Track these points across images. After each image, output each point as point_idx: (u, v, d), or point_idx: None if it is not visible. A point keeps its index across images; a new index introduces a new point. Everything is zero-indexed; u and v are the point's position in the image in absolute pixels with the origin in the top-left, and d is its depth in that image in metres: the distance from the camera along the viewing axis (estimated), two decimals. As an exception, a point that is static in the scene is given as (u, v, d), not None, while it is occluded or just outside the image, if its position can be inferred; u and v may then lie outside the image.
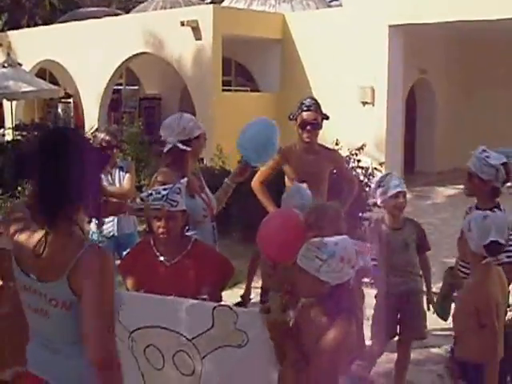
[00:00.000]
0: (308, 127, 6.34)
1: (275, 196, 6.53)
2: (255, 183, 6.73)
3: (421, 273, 5.65)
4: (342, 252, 3.47)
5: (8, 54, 20.06)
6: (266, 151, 5.39)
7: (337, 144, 11.42)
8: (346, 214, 5.54)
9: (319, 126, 6.42)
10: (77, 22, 20.19)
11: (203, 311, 3.74)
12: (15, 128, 18.93)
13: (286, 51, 17.51)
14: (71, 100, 21.77)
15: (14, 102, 19.70)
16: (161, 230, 4.29)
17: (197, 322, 3.72)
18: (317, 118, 6.37)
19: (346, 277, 3.52)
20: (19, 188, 7.36)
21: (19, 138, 18.05)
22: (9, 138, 19.13)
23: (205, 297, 4.25)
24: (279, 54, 17.70)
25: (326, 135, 13.13)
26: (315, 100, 6.49)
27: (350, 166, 11.60)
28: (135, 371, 3.96)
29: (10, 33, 22.67)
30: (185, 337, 3.72)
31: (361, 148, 11.67)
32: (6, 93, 17.67)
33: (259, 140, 5.26)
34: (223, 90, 17.02)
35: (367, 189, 11.65)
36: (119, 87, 21.45)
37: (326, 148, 6.82)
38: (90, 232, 7.25)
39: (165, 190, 4.29)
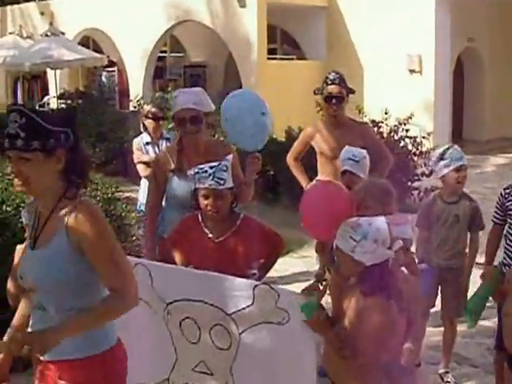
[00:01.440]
0: (333, 101, 6.36)
1: (309, 171, 6.70)
2: (289, 160, 6.84)
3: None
4: (375, 233, 3.52)
5: (51, 23, 20.32)
6: (260, 130, 5.02)
7: (386, 113, 11.42)
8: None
9: (344, 100, 6.42)
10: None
11: (244, 288, 3.77)
12: (59, 96, 19.17)
13: (332, 19, 17.43)
14: (115, 68, 21.94)
15: (58, 71, 19.91)
16: (209, 209, 4.28)
17: (237, 298, 3.76)
18: (341, 91, 6.37)
19: (382, 257, 3.57)
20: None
21: (63, 106, 18.32)
22: (53, 106, 19.43)
23: (254, 271, 4.31)
24: (325, 22, 17.62)
25: (375, 104, 13.20)
26: (340, 74, 6.48)
27: (399, 135, 11.62)
28: (168, 344, 4.01)
29: (52, 1, 22.86)
30: (224, 311, 3.76)
31: (409, 117, 11.66)
32: (50, 61, 17.93)
33: (247, 125, 4.89)
34: (268, 59, 17.03)
35: (415, 158, 11.68)
36: (163, 54, 21.56)
37: (355, 121, 6.85)
38: (138, 203, 7.42)
39: (211, 167, 4.25)
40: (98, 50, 21.69)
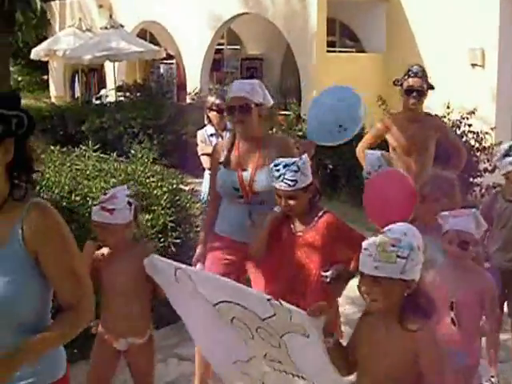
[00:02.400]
0: (414, 94, 6.35)
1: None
2: (359, 152, 6.81)
3: None
4: (417, 241, 3.10)
5: (110, 16, 20.63)
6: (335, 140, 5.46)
7: (448, 107, 11.38)
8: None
9: (425, 94, 6.42)
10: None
11: (261, 300, 3.66)
12: (118, 89, 19.44)
13: (392, 11, 17.34)
14: (173, 61, 22.15)
15: (117, 63, 20.20)
16: (284, 208, 4.44)
17: (262, 307, 3.65)
18: (423, 85, 6.38)
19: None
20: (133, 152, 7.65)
21: (122, 98, 18.59)
22: (111, 98, 19.72)
23: (327, 274, 4.34)
24: (385, 14, 17.55)
25: (436, 98, 13.12)
26: (422, 68, 6.51)
27: (461, 130, 11.57)
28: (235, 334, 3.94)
29: (110, -6, 23.16)
30: (259, 316, 3.69)
31: (472, 112, 11.61)
32: (109, 54, 18.23)
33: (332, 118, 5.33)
34: (328, 51, 17.03)
35: (478, 153, 11.63)
36: (221, 47, 21.70)
37: (431, 115, 6.84)
38: (202, 194, 7.55)
39: (285, 166, 4.30)
40: (154, 42, 21.89)
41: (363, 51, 18.26)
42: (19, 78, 32.55)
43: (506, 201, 5.40)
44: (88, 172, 6.88)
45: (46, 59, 23.38)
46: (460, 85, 15.06)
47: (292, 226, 4.50)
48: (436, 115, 7.08)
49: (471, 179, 11.26)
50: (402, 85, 6.47)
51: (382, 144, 6.80)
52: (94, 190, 6.40)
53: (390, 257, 3.01)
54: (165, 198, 6.66)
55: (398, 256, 2.99)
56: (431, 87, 6.47)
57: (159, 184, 6.90)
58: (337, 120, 5.28)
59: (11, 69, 29.76)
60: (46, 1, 26.31)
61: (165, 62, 22.06)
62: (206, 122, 7.90)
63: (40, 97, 23.66)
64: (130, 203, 4.38)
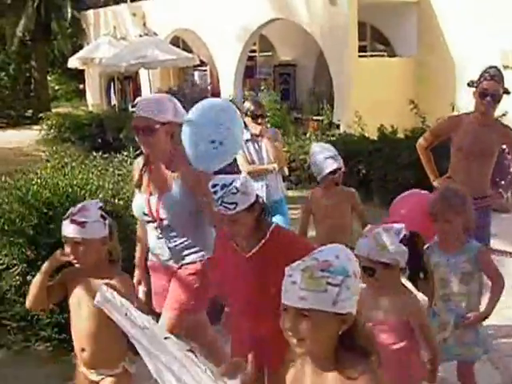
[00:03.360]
0: (488, 98, 6.01)
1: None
2: (421, 149, 6.58)
3: None
4: (352, 266, 2.47)
5: (144, 24, 20.92)
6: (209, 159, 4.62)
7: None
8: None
9: (499, 98, 6.08)
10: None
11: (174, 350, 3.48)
12: (153, 96, 19.68)
13: (422, 14, 17.42)
14: (207, 67, 22.39)
15: (151, 71, 20.47)
16: (229, 232, 3.98)
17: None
18: (498, 89, 6.03)
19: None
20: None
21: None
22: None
23: None
24: (416, 18, 17.64)
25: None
26: (500, 71, 6.16)
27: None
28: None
29: (144, 2, 23.45)
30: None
31: (503, 114, 11.65)
32: (144, 62, 18.46)
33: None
34: (359, 56, 17.15)
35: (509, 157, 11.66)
36: (253, 54, 21.89)
37: (501, 123, 6.51)
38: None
39: (222, 188, 3.79)
40: (187, 49, 22.10)
41: (394, 55, 18.35)
42: (56, 87, 33.07)
43: None
44: (130, 177, 7.09)
45: (82, 68, 23.77)
46: (492, 87, 15.06)
47: (239, 247, 4.02)
48: (507, 125, 6.54)
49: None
50: (477, 87, 6.15)
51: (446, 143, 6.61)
52: (135, 195, 6.60)
53: (319, 284, 2.37)
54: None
55: (329, 283, 2.37)
56: (507, 92, 6.11)
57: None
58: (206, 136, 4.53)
59: (49, 78, 30.36)
60: (80, 10, 26.76)
61: (198, 68, 22.30)
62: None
63: (77, 105, 24.06)
64: (103, 217, 3.99)
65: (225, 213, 3.78)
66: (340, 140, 13.31)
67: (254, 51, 21.92)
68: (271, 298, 3.52)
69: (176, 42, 22.67)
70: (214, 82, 21.77)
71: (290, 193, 10.51)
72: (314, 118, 16.37)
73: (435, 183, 6.34)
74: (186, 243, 4.70)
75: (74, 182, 6.55)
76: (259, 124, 7.48)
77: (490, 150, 6.17)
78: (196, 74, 22.58)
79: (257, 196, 3.94)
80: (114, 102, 24.67)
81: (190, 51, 22.02)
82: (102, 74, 24.76)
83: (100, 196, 6.37)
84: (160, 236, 4.71)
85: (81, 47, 25.16)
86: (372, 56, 18.58)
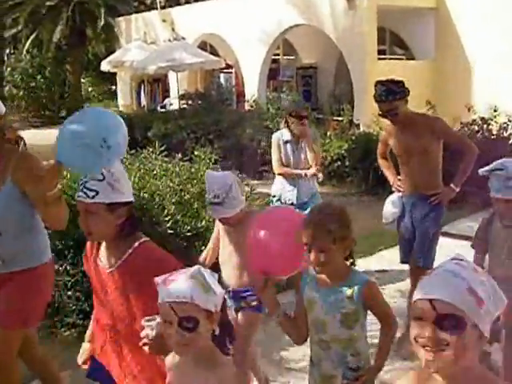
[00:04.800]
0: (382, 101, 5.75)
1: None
2: (378, 156, 6.55)
3: None
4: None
5: (172, 30, 20.99)
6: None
7: (495, 111, 11.31)
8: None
9: (397, 111, 5.71)
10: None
11: None
12: (181, 97, 19.75)
13: (440, 19, 17.27)
14: (232, 70, 22.40)
15: (179, 74, 20.50)
16: (84, 230, 3.29)
17: None
18: (392, 105, 5.71)
19: None
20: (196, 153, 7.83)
21: (185, 106, 18.88)
22: (175, 106, 20.03)
23: (149, 324, 3.00)
24: (433, 22, 17.48)
25: (484, 102, 13.07)
26: (388, 86, 5.76)
27: (508, 132, 11.46)
28: None
29: (173, 9, 23.49)
30: None
31: (494, 111, 11.50)
32: (173, 65, 18.55)
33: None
34: (379, 59, 17.06)
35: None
36: (277, 57, 21.86)
37: (423, 116, 6.17)
38: (271, 198, 7.63)
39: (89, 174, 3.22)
40: (214, 53, 22.16)
41: (412, 58, 18.23)
42: (90, 89, 33.24)
43: (504, 227, 4.40)
44: (155, 172, 7.06)
45: (114, 70, 23.87)
46: (508, 88, 14.94)
47: (101, 259, 3.38)
48: (434, 117, 6.35)
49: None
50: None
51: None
52: (160, 188, 6.59)
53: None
54: (226, 196, 6.77)
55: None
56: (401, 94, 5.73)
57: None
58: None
59: (82, 80, 30.53)
60: (113, 17, 26.94)
61: (224, 71, 22.31)
62: (282, 127, 7.66)
63: (108, 106, 24.13)
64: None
65: (83, 200, 3.15)
66: (360, 139, 13.22)
67: (277, 54, 21.87)
68: (134, 319, 3.22)
69: (203, 46, 22.70)
70: (238, 83, 21.77)
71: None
72: (335, 118, 16.27)
73: (394, 187, 6.26)
74: (17, 248, 4.07)
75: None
76: (303, 125, 7.27)
77: (419, 148, 5.79)
78: (222, 76, 22.58)
79: (130, 202, 3.31)
80: (143, 103, 24.75)
81: (217, 55, 22.06)
82: (132, 77, 24.85)
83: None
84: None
85: (113, 51, 25.26)
86: (390, 59, 18.47)
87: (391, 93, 5.69)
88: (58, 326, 5.96)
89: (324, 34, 17.62)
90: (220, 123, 15.77)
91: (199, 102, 18.26)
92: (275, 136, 7.58)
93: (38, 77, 29.15)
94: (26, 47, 29.83)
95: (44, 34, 29.27)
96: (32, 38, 29.62)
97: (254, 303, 4.51)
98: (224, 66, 20.69)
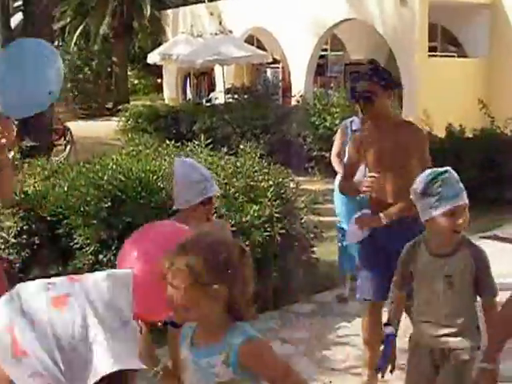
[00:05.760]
0: (360, 100, 4.82)
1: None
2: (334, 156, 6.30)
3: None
4: None
5: (220, 23, 21.04)
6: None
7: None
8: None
9: (374, 97, 4.72)
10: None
11: None
12: (227, 91, 19.80)
13: (495, 15, 17.04)
14: (279, 65, 22.37)
15: (226, 67, 20.55)
16: None
17: None
18: (371, 87, 4.71)
19: None
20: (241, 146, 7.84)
21: (230, 100, 18.92)
22: (221, 100, 20.09)
23: None
24: (487, 19, 17.25)
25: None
26: (375, 67, 4.89)
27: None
28: None
29: (221, 2, 23.55)
30: None
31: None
32: (219, 58, 18.60)
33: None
34: (429, 56, 16.89)
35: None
36: (324, 53, 21.77)
37: (410, 125, 5.01)
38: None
39: None
40: (261, 47, 22.15)
41: (465, 56, 18.00)
42: (135, 81, 33.50)
43: (431, 255, 3.65)
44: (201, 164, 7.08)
45: (161, 63, 24.01)
46: None
47: None
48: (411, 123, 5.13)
49: None
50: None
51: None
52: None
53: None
54: (271, 191, 6.77)
55: None
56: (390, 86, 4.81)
57: (266, 178, 7.03)
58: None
59: (129, 73, 30.80)
60: (160, 9, 27.11)
61: (271, 66, 22.31)
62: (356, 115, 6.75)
63: (154, 98, 24.31)
64: None
65: None
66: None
67: (325, 50, 21.80)
68: None
69: (250, 40, 22.71)
70: (285, 79, 21.74)
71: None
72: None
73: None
74: None
75: (147, 168, 6.56)
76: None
77: (397, 161, 4.74)
78: (268, 71, 22.59)
79: None
80: (189, 96, 24.86)
81: (264, 49, 22.04)
82: (179, 70, 24.96)
83: (171, 181, 6.36)
84: None
85: (159, 44, 25.41)
86: (442, 56, 18.28)
87: (377, 74, 4.74)
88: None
89: (373, 30, 17.52)
90: (266, 118, 15.78)
91: (245, 96, 18.27)
92: (344, 123, 6.97)
93: (85, 69, 29.50)
94: (74, 39, 30.23)
95: (91, 27, 29.64)
96: (79, 30, 30.01)
97: None
98: (271, 60, 20.68)
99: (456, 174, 3.53)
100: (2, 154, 3.55)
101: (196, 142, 7.74)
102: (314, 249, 7.44)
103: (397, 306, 3.85)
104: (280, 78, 22.22)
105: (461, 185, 3.50)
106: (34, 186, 7.38)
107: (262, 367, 2.51)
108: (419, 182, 3.55)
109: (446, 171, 3.50)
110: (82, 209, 6.28)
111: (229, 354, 2.45)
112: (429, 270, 3.63)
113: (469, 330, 3.63)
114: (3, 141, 3.53)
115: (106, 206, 6.08)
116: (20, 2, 32.38)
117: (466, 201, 3.51)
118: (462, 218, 3.49)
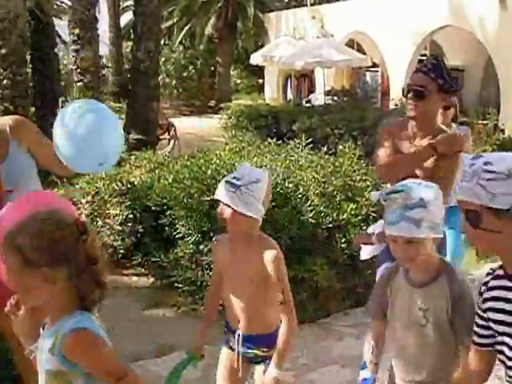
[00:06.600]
0: (410, 94, 4.14)
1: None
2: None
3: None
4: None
5: (321, 27, 21.00)
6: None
7: None
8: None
9: (426, 93, 4.06)
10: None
11: None
12: (326, 93, 19.74)
13: None
14: (378, 69, 22.16)
15: (326, 70, 20.48)
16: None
17: None
18: (426, 82, 4.07)
19: None
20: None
21: (329, 102, 18.85)
22: (320, 102, 20.03)
23: None
24: None
25: None
26: (438, 63, 4.14)
27: None
28: None
29: (323, 6, 23.50)
30: None
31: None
32: (320, 61, 18.55)
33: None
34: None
35: None
36: (423, 58, 21.41)
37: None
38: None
39: None
40: (361, 51, 21.99)
41: None
42: (238, 81, 33.75)
43: (409, 284, 2.89)
44: (300, 163, 7.07)
45: (263, 64, 24.12)
46: None
47: None
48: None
49: None
50: None
51: None
52: (305, 179, 6.57)
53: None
54: (368, 191, 6.71)
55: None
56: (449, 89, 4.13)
57: (363, 178, 6.97)
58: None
59: (231, 72, 31.06)
60: (264, 12, 27.27)
61: (370, 69, 22.12)
62: None
63: (255, 98, 24.46)
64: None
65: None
66: (504, 144, 12.77)
67: (424, 55, 21.42)
68: None
69: (351, 44, 22.57)
70: (384, 83, 21.52)
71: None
72: (480, 121, 15.76)
73: None
74: None
75: (249, 164, 6.57)
76: (448, 114, 6.04)
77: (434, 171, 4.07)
78: (368, 74, 22.40)
79: None
80: (289, 97, 24.87)
81: (364, 53, 21.87)
82: (280, 71, 25.03)
83: (272, 178, 6.36)
84: None
85: (262, 46, 25.55)
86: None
87: (436, 71, 4.06)
88: (199, 303, 6.05)
89: (473, 36, 17.12)
90: (364, 120, 15.61)
91: (344, 98, 18.17)
92: None
93: (190, 67, 29.90)
94: (179, 39, 30.71)
95: (197, 27, 30.04)
96: (185, 30, 30.46)
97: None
98: (370, 64, 20.49)
99: (418, 197, 2.67)
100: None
101: (297, 141, 7.73)
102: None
103: (377, 344, 3.13)
104: (379, 81, 21.99)
105: (411, 213, 2.65)
106: (140, 177, 7.54)
107: (87, 363, 2.25)
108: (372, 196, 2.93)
109: (401, 190, 2.71)
110: (185, 201, 6.35)
111: (55, 342, 2.25)
112: (404, 300, 2.88)
113: (443, 375, 2.81)
114: None
115: (208, 199, 6.12)
116: (129, 3, 33.33)
117: (413, 234, 2.67)
118: (409, 250, 2.71)
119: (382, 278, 3.10)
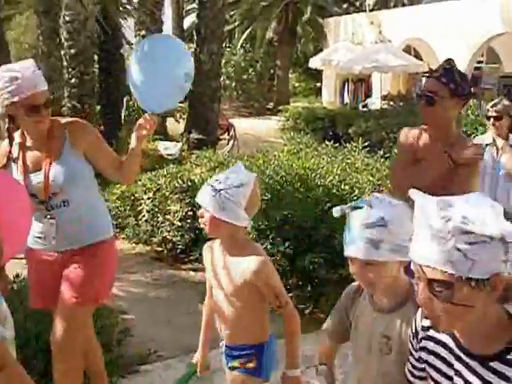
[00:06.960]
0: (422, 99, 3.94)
1: None
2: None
3: None
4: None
5: (379, 32, 20.91)
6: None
7: None
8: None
9: (437, 99, 3.81)
10: (440, 3, 20.32)
11: None
12: (383, 97, 19.65)
13: None
14: (435, 75, 21.96)
15: (383, 75, 20.38)
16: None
17: None
18: (437, 87, 3.81)
19: None
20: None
21: (386, 106, 18.75)
22: (376, 106, 19.95)
23: None
24: None
25: None
26: (450, 66, 3.86)
27: None
28: None
29: (381, 12, 23.36)
30: None
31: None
32: (377, 66, 18.48)
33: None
34: None
35: None
36: (480, 65, 21.17)
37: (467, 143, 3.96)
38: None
39: None
40: (417, 57, 21.82)
41: None
42: (296, 84, 33.78)
43: (374, 309, 2.52)
44: (357, 165, 7.09)
45: (321, 68, 24.12)
46: None
47: None
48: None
49: None
50: None
51: None
52: (360, 181, 6.59)
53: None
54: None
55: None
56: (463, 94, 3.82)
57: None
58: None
59: (290, 76, 31.11)
60: (323, 17, 27.24)
61: (426, 75, 21.89)
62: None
63: (313, 101, 24.45)
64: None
65: None
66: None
67: (480, 62, 21.18)
68: None
69: (408, 49, 22.40)
70: (440, 88, 21.28)
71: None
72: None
73: None
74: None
75: (307, 165, 6.63)
76: (502, 126, 5.89)
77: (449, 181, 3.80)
78: (424, 80, 22.19)
79: None
80: (346, 100, 24.81)
81: (420, 59, 21.69)
82: (337, 75, 24.97)
83: (328, 179, 6.40)
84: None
85: (321, 50, 25.53)
86: None
87: (448, 75, 3.80)
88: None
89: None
90: (420, 125, 15.53)
91: (401, 103, 18.06)
92: (480, 137, 6.25)
93: (250, 70, 30.03)
94: (240, 42, 30.86)
95: (257, 31, 30.15)
96: (246, 34, 30.60)
97: (251, 365, 3.13)
98: (427, 70, 20.31)
99: (378, 216, 2.26)
100: (140, 144, 3.68)
101: (353, 144, 7.75)
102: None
103: (330, 367, 2.86)
104: (435, 87, 21.76)
105: (369, 233, 2.26)
106: (201, 176, 7.62)
107: None
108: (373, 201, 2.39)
109: (361, 207, 2.30)
110: (242, 199, 6.40)
111: None
112: (367, 325, 2.52)
113: None
114: (144, 132, 3.62)
115: (266, 198, 6.19)
116: (192, 6, 33.61)
117: (370, 257, 2.28)
118: (367, 274, 2.33)
119: (347, 295, 2.66)
